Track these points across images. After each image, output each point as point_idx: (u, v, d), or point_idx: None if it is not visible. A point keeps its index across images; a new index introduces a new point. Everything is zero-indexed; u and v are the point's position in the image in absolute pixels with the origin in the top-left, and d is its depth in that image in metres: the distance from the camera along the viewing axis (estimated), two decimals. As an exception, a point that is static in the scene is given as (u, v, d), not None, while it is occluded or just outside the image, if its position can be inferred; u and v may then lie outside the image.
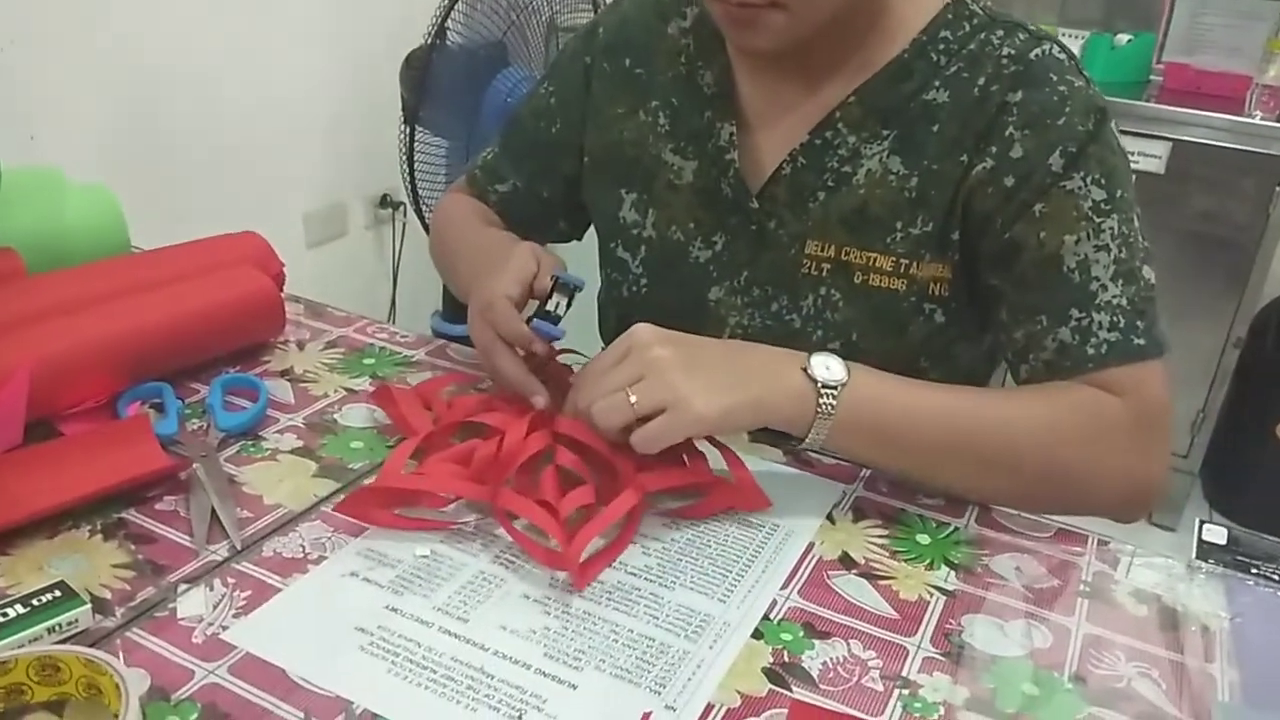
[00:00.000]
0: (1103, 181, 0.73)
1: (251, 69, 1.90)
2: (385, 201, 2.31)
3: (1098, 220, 0.72)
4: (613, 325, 0.95)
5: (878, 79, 0.78)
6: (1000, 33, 0.76)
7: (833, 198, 0.79)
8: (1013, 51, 0.75)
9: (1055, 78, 0.74)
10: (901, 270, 0.78)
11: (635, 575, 0.63)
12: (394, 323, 1.94)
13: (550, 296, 0.74)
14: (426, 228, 2.18)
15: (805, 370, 0.68)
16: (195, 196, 1.82)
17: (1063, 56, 0.75)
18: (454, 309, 2.30)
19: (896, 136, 0.77)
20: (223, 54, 1.84)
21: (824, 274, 0.80)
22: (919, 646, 0.59)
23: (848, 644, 0.59)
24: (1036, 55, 0.75)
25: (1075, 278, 0.73)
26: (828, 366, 0.68)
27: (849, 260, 0.79)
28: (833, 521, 0.70)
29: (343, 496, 0.69)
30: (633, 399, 0.64)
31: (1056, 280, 0.73)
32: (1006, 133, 0.74)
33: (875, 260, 0.79)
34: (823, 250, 0.80)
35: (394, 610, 0.59)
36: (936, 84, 0.76)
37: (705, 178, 0.84)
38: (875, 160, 0.78)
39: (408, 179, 2.11)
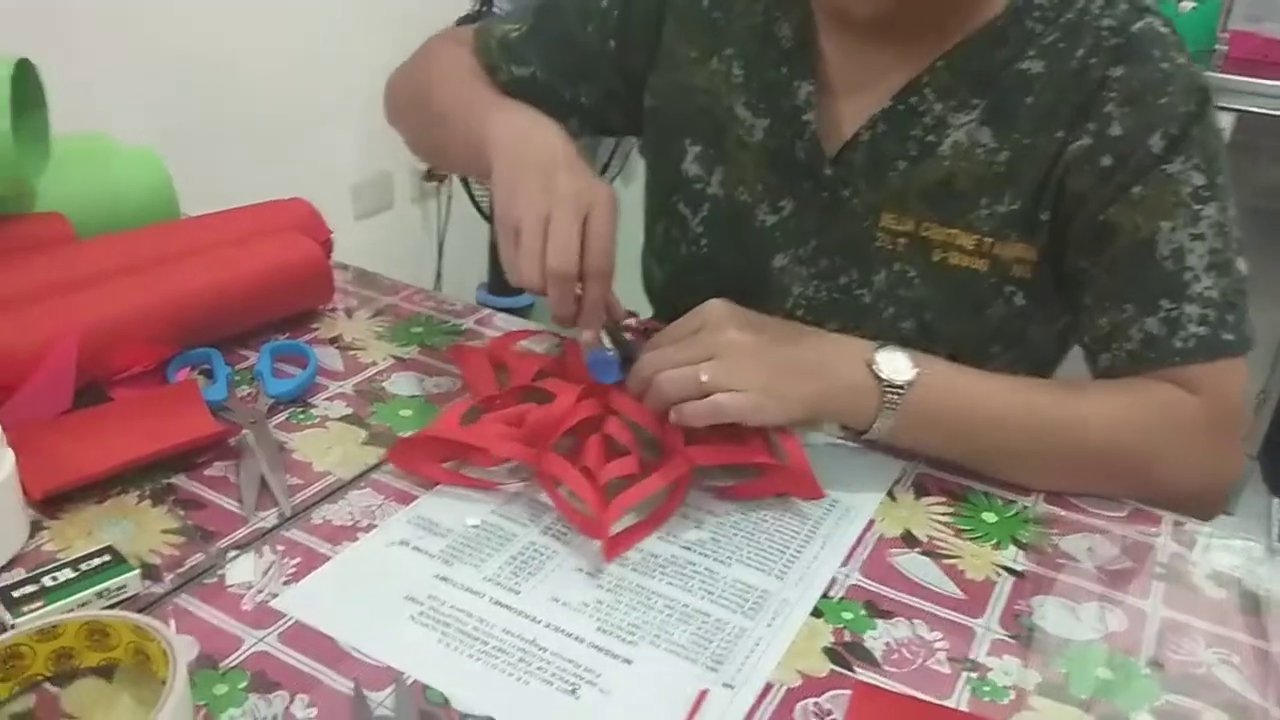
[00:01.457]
0: (1203, 167, 0.69)
1: (300, 39, 1.89)
2: (431, 174, 2.30)
3: (1196, 207, 0.69)
4: (661, 283, 0.92)
5: (970, 44, 0.73)
6: (1100, 1, 0.72)
7: (914, 168, 0.75)
8: (1114, 23, 0.71)
9: (1159, 53, 0.70)
10: (984, 249, 0.75)
11: (689, 549, 0.61)
12: (439, 287, 1.93)
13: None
14: (474, 201, 2.17)
15: (871, 366, 0.65)
16: (244, 168, 1.81)
17: (1166, 30, 0.71)
18: (500, 282, 2.29)
19: (987, 107, 0.73)
20: (272, 25, 1.83)
21: (899, 249, 0.77)
22: (987, 628, 0.57)
23: (912, 624, 0.57)
24: (1139, 28, 0.71)
25: (1168, 266, 0.69)
26: (895, 363, 0.66)
27: (927, 236, 0.76)
28: (893, 498, 0.68)
29: (390, 465, 0.68)
30: (704, 376, 0.63)
31: (1148, 268, 0.69)
32: (1106, 109, 0.70)
33: (956, 237, 0.75)
34: (899, 223, 0.77)
35: (444, 580, 0.58)
36: (1032, 53, 0.72)
37: (777, 138, 0.80)
38: (963, 131, 0.74)
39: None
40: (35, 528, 0.60)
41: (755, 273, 0.82)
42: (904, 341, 0.68)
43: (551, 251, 0.64)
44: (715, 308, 0.66)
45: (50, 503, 0.61)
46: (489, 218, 2.20)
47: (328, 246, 0.91)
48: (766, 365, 0.64)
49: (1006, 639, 0.56)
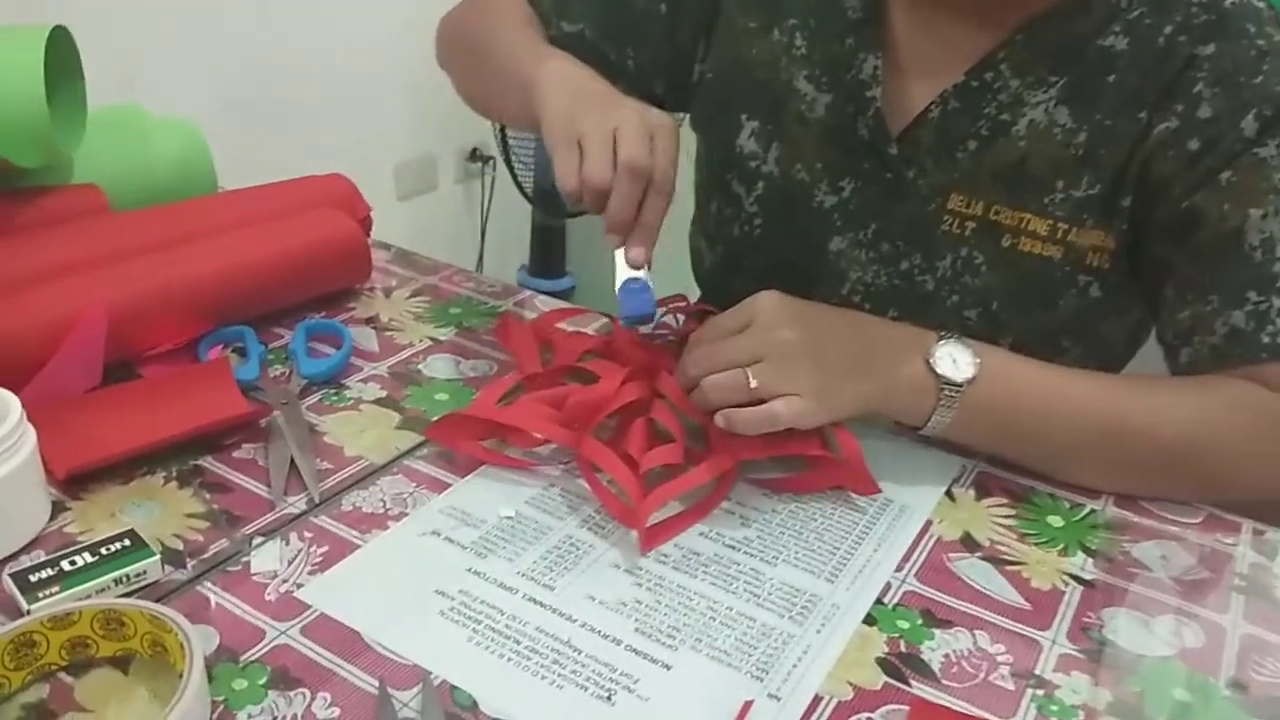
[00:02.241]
0: None
1: (345, 19, 1.87)
2: (475, 155, 2.28)
3: None
4: (711, 265, 0.88)
5: (1050, 17, 0.68)
6: None
7: (986, 148, 0.71)
8: None
9: (1254, 29, 0.65)
10: (1058, 236, 0.70)
11: (734, 548, 0.58)
12: (481, 269, 1.91)
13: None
14: (517, 183, 2.15)
15: (929, 361, 0.62)
16: (286, 146, 1.80)
17: (1261, 5, 0.66)
18: (540, 264, 2.27)
19: (1066, 84, 0.68)
20: (317, 4, 1.82)
21: (967, 233, 0.73)
22: (1054, 641, 0.53)
23: (973, 635, 0.53)
24: (1233, 3, 0.66)
25: (1256, 257, 0.64)
26: (954, 360, 0.62)
27: (998, 220, 0.72)
28: (952, 499, 0.64)
29: (424, 450, 0.65)
30: (753, 383, 0.59)
31: (1235, 258, 0.64)
32: (1195, 90, 0.65)
33: (1028, 222, 0.71)
34: (968, 207, 0.72)
35: (476, 574, 0.55)
36: (1116, 29, 0.67)
37: (840, 114, 0.75)
38: (1040, 110, 0.69)
39: (498, 132, 2.07)
40: (57, 508, 0.58)
41: (811, 256, 0.78)
42: (967, 332, 0.64)
43: (624, 147, 0.62)
44: (766, 301, 0.63)
45: (74, 482, 0.59)
46: (532, 200, 2.18)
47: (367, 224, 0.89)
48: (819, 366, 0.60)
49: (1075, 654, 0.52)
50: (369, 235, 0.89)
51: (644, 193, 0.63)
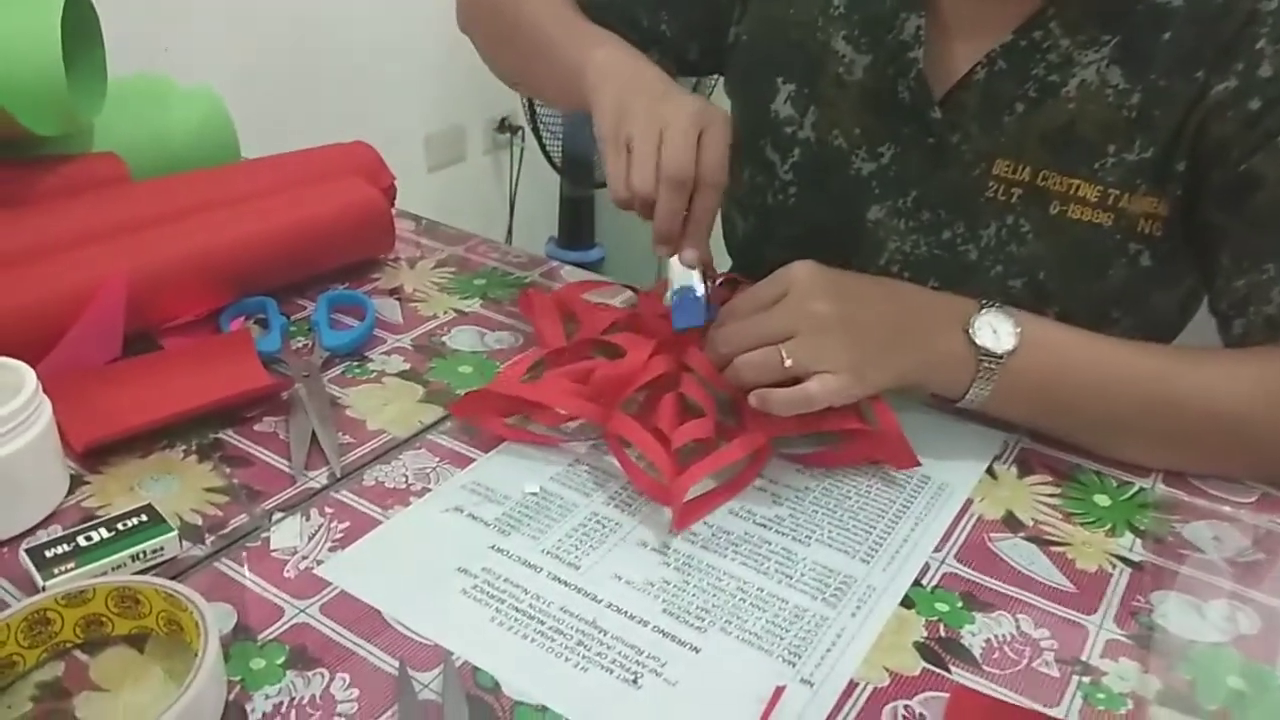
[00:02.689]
0: None
1: (372, -15, 1.86)
2: (504, 125, 2.25)
3: None
4: (744, 235, 0.86)
5: None
6: None
7: (1034, 111, 0.68)
8: None
9: None
10: (1109, 202, 0.67)
11: (765, 526, 0.56)
12: (511, 241, 1.89)
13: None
14: (546, 153, 2.12)
15: (967, 332, 0.59)
16: (313, 115, 1.79)
17: None
18: (569, 235, 2.25)
19: (1119, 44, 0.65)
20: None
21: (1013, 200, 0.70)
22: (1100, 626, 0.51)
23: (1015, 619, 0.51)
24: None
25: None
26: (995, 330, 0.59)
27: (1046, 186, 0.68)
28: (994, 476, 0.61)
29: (448, 424, 0.64)
30: (787, 361, 0.57)
31: None
32: (1256, 47, 0.61)
33: (1078, 188, 0.68)
34: (1015, 172, 0.69)
35: (500, 551, 0.53)
36: None
37: (879, 77, 0.72)
38: (1091, 70, 0.66)
39: (525, 102, 2.05)
40: (76, 482, 0.57)
41: (848, 225, 0.76)
42: (1013, 303, 0.61)
43: (667, 156, 0.60)
44: (800, 272, 0.60)
45: (92, 456, 0.58)
46: (560, 170, 2.15)
47: (390, 193, 0.87)
48: (855, 339, 0.58)
49: (1123, 639, 0.50)
50: (393, 204, 0.88)
51: (691, 193, 0.61)
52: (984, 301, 0.60)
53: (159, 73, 0.89)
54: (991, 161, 0.69)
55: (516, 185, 2.31)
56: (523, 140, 2.25)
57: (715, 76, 1.09)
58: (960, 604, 0.52)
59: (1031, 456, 0.63)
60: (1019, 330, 0.59)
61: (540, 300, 0.74)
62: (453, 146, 2.19)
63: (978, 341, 0.59)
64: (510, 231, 2.35)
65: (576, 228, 2.27)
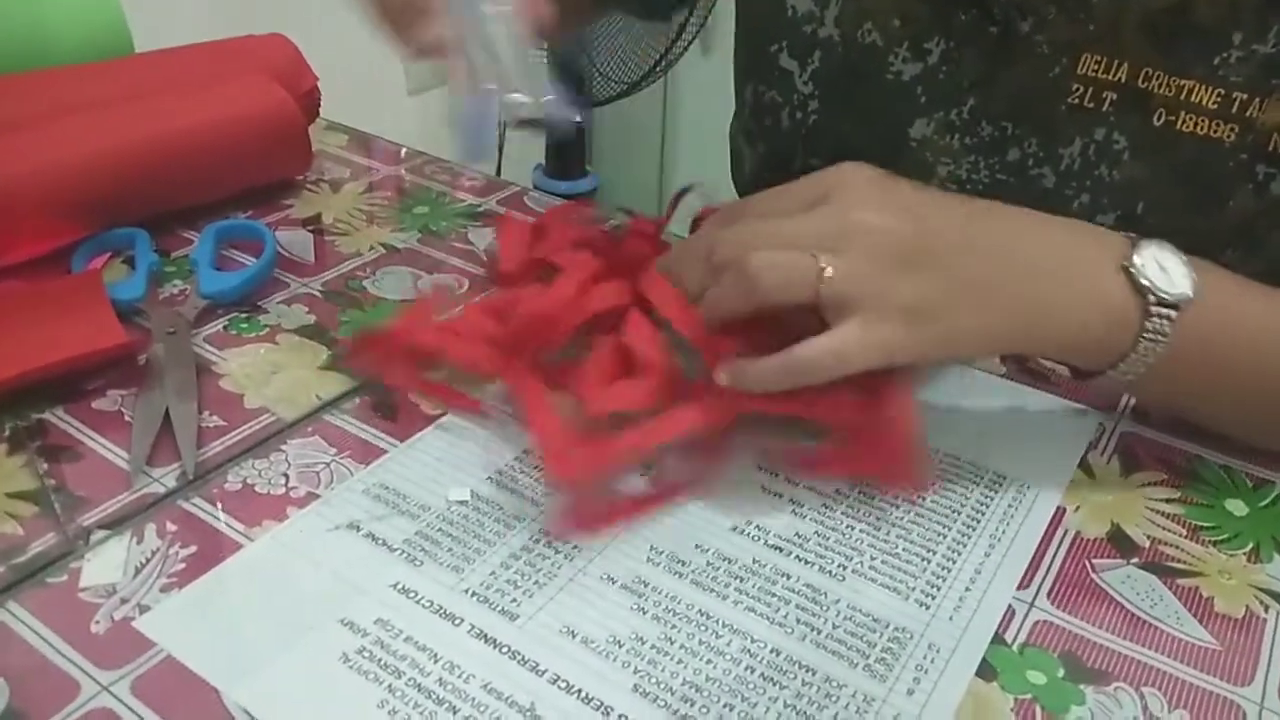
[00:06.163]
0: None
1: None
2: (488, 41, 2.06)
3: None
4: (753, 168, 0.69)
5: None
6: None
7: None
8: None
9: None
10: (1233, 110, 0.49)
11: (779, 550, 0.40)
12: (500, 175, 1.72)
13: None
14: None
15: (1128, 269, 0.41)
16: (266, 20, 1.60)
17: None
18: (558, 163, 2.07)
19: None
20: None
21: (1104, 108, 0.52)
22: (1262, 705, 0.35)
23: (1140, 697, 0.35)
24: None
25: None
26: (1163, 267, 0.41)
27: (1148, 89, 0.51)
28: (1090, 474, 0.45)
29: (356, 400, 0.48)
30: (827, 271, 0.39)
31: None
32: None
33: (1191, 91, 0.50)
34: (1106, 71, 0.52)
35: (405, 592, 0.38)
36: None
37: None
38: None
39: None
40: None
41: (885, 147, 0.58)
42: None
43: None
44: (850, 174, 0.43)
45: None
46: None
47: (313, 98, 0.70)
48: (925, 272, 0.40)
49: (1300, 728, 0.34)
50: (317, 113, 0.71)
51: None
52: (1131, 234, 0.43)
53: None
54: (1076, 57, 0.52)
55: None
56: (509, 57, 2.06)
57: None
58: (1061, 672, 0.36)
59: (1136, 445, 0.47)
60: (1193, 275, 0.42)
61: (511, 224, 0.58)
62: (436, 70, 2.00)
63: (1144, 281, 0.41)
64: (501, 153, 2.16)
65: (565, 152, 2.08)
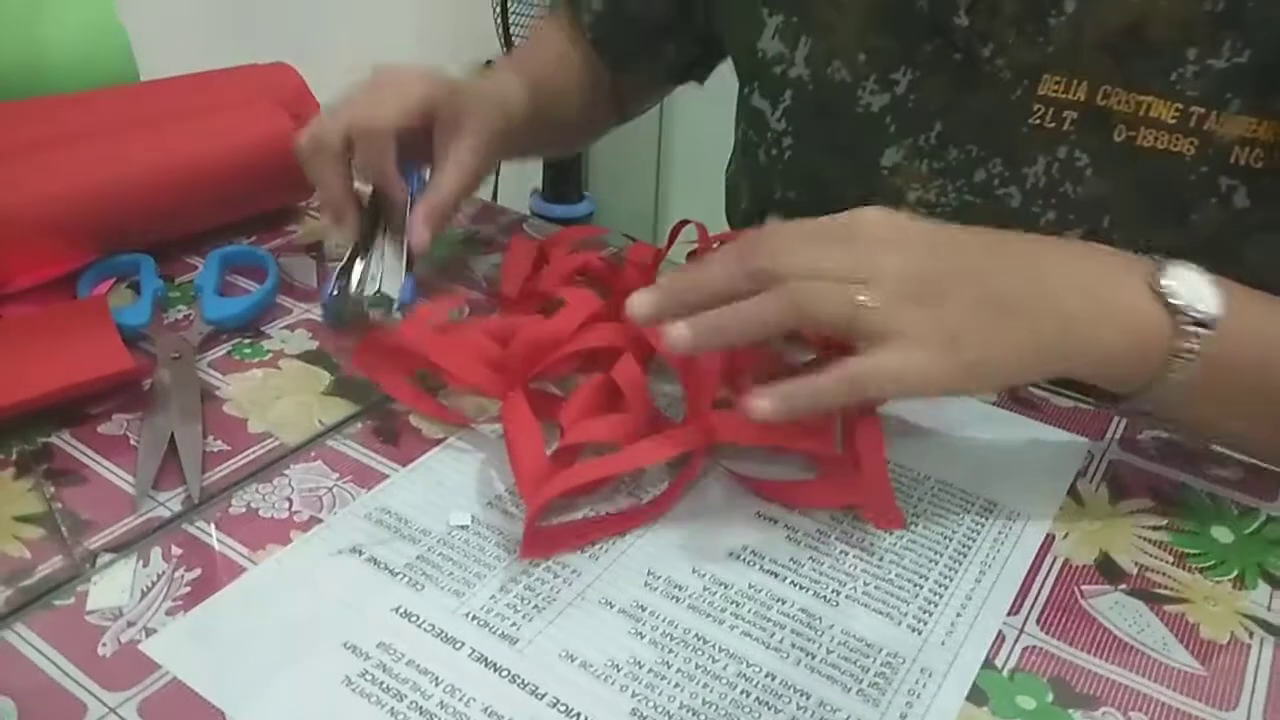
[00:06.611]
0: None
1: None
2: (490, 65, 2.08)
3: None
4: (744, 205, 0.71)
5: None
6: None
7: (1089, 10, 0.52)
8: None
9: None
10: (1192, 124, 0.51)
11: (775, 575, 0.41)
12: (496, 199, 1.74)
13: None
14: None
15: (1155, 288, 0.42)
16: (265, 45, 1.62)
17: None
18: (555, 187, 2.09)
19: None
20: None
21: (1066, 126, 0.54)
22: (1246, 732, 0.36)
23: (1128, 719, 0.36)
24: None
25: None
26: (1192, 286, 0.42)
27: (1107, 107, 0.53)
28: (1079, 501, 0.46)
29: (358, 425, 0.48)
30: (868, 302, 0.39)
31: None
32: None
33: (1151, 107, 0.52)
34: (1067, 90, 0.54)
35: (407, 616, 0.38)
36: None
37: None
38: None
39: (502, 40, 1.88)
40: None
41: (858, 176, 0.60)
42: None
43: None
44: (874, 216, 0.43)
45: None
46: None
47: (315, 127, 0.71)
48: (958, 298, 0.41)
49: (1284, 754, 0.35)
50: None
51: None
52: (1155, 256, 0.43)
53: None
54: (1037, 78, 0.54)
55: (499, 131, 2.14)
56: (506, 82, 2.08)
57: None
58: (1051, 696, 0.37)
59: (1124, 472, 0.48)
60: (1219, 291, 0.42)
61: (520, 244, 0.59)
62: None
63: (1176, 301, 0.41)
64: (497, 176, 2.17)
65: (562, 178, 2.10)
